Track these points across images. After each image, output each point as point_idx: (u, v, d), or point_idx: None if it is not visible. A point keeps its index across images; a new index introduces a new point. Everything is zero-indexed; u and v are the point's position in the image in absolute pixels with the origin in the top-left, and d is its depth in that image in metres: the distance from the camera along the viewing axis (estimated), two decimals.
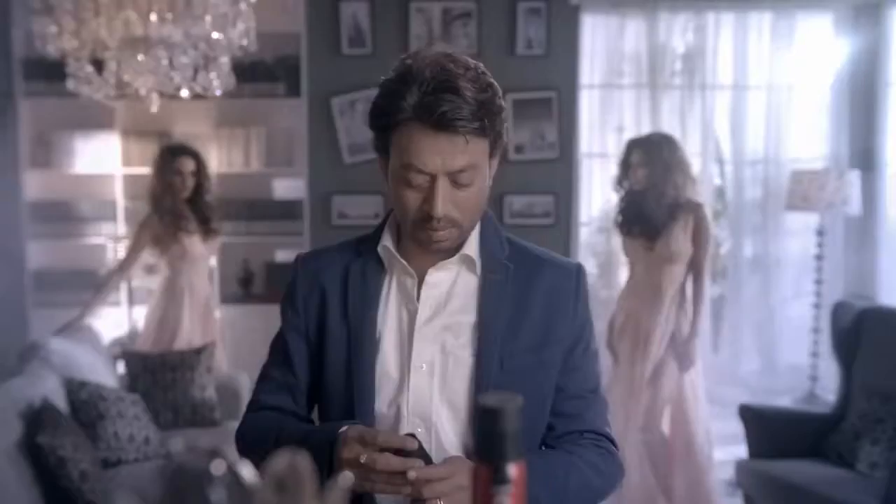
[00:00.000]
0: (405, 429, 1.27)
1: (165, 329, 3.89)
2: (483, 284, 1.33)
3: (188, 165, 3.86)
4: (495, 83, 1.26)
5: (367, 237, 1.39)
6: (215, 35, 3.09)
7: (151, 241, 3.83)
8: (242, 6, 3.16)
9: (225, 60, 3.26)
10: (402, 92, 1.21)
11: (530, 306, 1.32)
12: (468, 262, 1.33)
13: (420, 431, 1.26)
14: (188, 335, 3.88)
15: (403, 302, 1.33)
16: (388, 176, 1.29)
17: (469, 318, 1.31)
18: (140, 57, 3.04)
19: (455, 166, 1.21)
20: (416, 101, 1.19)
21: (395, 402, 1.29)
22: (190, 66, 3.18)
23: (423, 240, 1.28)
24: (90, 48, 3.10)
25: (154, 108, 3.31)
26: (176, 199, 3.83)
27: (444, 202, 1.23)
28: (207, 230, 3.93)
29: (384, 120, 1.24)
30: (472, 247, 1.33)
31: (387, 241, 1.33)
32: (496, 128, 1.25)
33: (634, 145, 3.55)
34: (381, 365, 1.30)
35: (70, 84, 3.21)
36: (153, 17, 2.98)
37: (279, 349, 1.40)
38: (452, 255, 1.33)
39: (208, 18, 3.04)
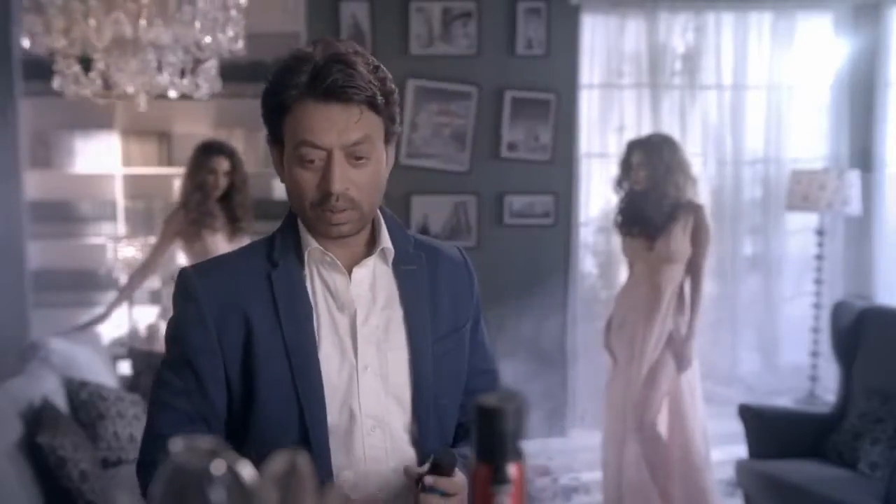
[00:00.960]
0: (361, 432, 1.26)
1: None
2: (399, 277, 1.32)
3: (223, 165, 3.80)
4: (386, 70, 1.26)
5: (269, 243, 1.31)
6: (206, 39, 3.09)
7: (176, 237, 3.80)
8: (233, 12, 3.16)
9: (213, 64, 3.27)
10: (293, 70, 1.21)
11: (440, 293, 1.36)
12: (384, 255, 1.32)
13: (375, 433, 1.27)
14: None
15: (336, 304, 1.29)
16: (283, 166, 1.27)
17: (395, 312, 1.31)
18: (130, 60, 3.04)
19: (350, 139, 1.20)
20: (307, 77, 1.19)
21: (347, 407, 1.27)
22: (178, 67, 3.18)
23: (321, 224, 1.25)
24: (79, 47, 3.09)
25: (142, 108, 3.29)
26: (206, 197, 3.77)
27: (342, 178, 1.21)
28: (234, 229, 3.85)
29: (276, 100, 1.22)
30: (386, 239, 1.32)
31: (312, 243, 1.28)
32: (390, 109, 1.25)
33: (635, 146, 3.54)
34: (325, 375, 1.26)
35: (56, 82, 3.20)
36: (143, 21, 2.98)
37: (182, 375, 1.26)
38: (362, 246, 1.32)
39: (197, 24, 3.05)
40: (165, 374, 1.28)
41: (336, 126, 1.19)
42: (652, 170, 3.42)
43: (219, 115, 4.64)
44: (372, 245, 1.32)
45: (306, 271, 1.29)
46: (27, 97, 4.42)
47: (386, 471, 1.27)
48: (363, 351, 1.27)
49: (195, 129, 4.64)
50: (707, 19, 4.82)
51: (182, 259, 4.51)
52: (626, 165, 3.52)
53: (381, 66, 1.25)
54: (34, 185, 4.53)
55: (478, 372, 1.42)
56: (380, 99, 1.22)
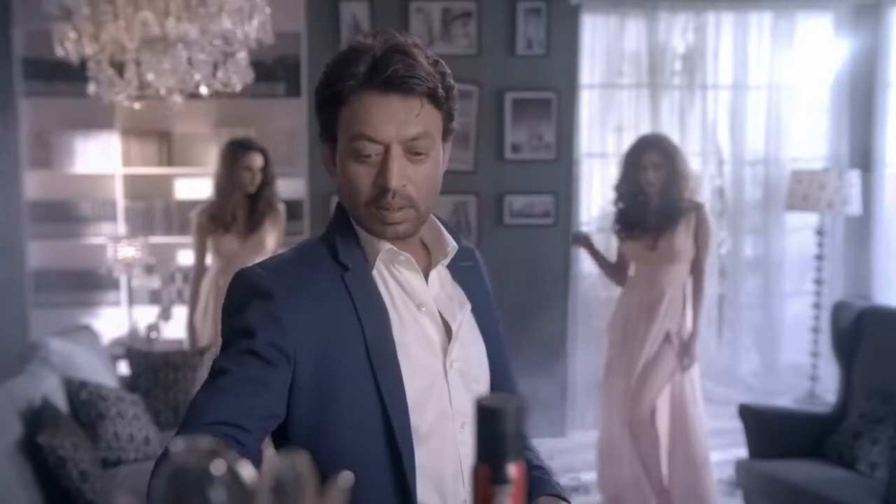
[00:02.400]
0: (454, 429, 1.23)
1: (208, 326, 3.85)
2: (458, 273, 1.31)
3: (258, 161, 3.79)
4: (446, 65, 1.22)
5: (328, 244, 1.25)
6: (232, 29, 3.06)
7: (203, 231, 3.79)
8: (258, 0, 3.15)
9: (242, 55, 3.24)
10: (351, 61, 1.15)
11: (486, 289, 1.38)
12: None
13: (465, 429, 1.24)
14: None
15: (414, 304, 1.24)
16: (334, 163, 1.22)
17: (467, 308, 1.30)
18: (162, 58, 3.03)
19: (409, 133, 1.15)
20: (366, 67, 1.14)
21: (436, 406, 1.22)
22: (208, 63, 3.16)
23: (376, 224, 1.20)
24: (110, 51, 3.08)
25: (178, 108, 3.27)
26: (242, 195, 3.76)
27: (400, 174, 1.15)
28: (251, 225, 3.81)
29: (331, 91, 1.17)
30: (450, 240, 1.29)
31: (385, 244, 1.21)
32: (450, 105, 1.21)
33: (649, 145, 3.44)
34: (415, 375, 1.20)
35: (91, 88, 3.17)
36: (171, 17, 2.96)
37: (245, 364, 1.13)
38: (424, 244, 1.30)
39: (224, 16, 3.03)
40: (224, 362, 1.14)
41: (395, 119, 1.14)
42: (668, 173, 3.37)
43: (219, 114, 4.64)
44: (425, 246, 1.29)
45: (375, 272, 1.23)
46: (27, 97, 4.42)
47: None
48: (451, 348, 1.25)
49: (195, 129, 4.64)
50: (707, 19, 4.83)
51: (181, 257, 4.50)
52: (636, 164, 3.43)
53: (441, 60, 1.21)
54: (34, 185, 4.54)
55: (508, 366, 1.46)
56: (440, 92, 1.18)
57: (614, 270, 3.69)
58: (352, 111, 1.16)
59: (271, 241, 3.91)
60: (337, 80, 1.16)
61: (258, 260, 4.30)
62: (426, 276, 1.26)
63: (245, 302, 1.17)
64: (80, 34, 3.02)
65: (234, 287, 1.20)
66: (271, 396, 1.13)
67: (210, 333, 3.82)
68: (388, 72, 1.13)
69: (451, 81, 1.21)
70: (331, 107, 1.19)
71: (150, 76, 3.11)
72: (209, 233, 3.77)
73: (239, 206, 3.77)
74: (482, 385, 1.29)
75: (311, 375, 1.16)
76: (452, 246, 1.27)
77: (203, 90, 3.24)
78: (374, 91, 1.14)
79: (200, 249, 3.83)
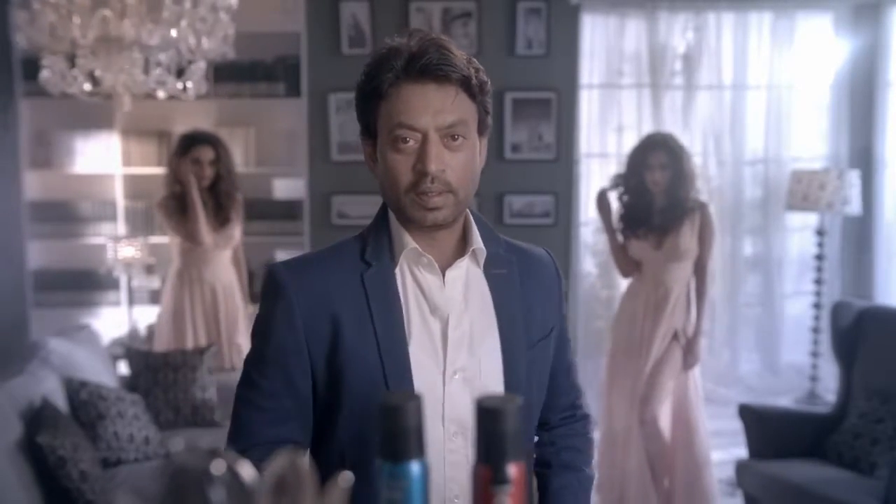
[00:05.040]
0: (442, 437, 1.24)
1: (177, 326, 3.88)
2: (491, 280, 1.30)
3: (207, 154, 3.79)
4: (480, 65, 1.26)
5: (361, 241, 1.30)
6: (191, 41, 3.09)
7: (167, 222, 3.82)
8: (222, 14, 3.16)
9: (201, 66, 3.27)
10: (388, 58, 1.20)
11: (532, 300, 1.34)
12: (475, 257, 1.30)
13: (457, 439, 1.25)
14: (196, 332, 3.87)
15: (428, 308, 1.26)
16: (375, 160, 1.27)
17: (488, 316, 1.29)
18: (116, 58, 3.04)
19: (446, 120, 1.19)
20: (403, 62, 1.19)
21: (433, 413, 1.24)
22: (165, 67, 3.19)
23: (416, 210, 1.22)
24: (66, 45, 3.10)
25: (126, 108, 3.29)
26: (189, 188, 3.78)
27: (438, 159, 1.19)
28: (220, 220, 3.85)
29: (371, 86, 1.22)
30: (478, 240, 1.29)
31: (410, 242, 1.25)
32: (484, 99, 1.25)
33: (655, 145, 3.41)
34: (415, 379, 1.23)
35: (42, 77, 3.21)
36: (126, 20, 2.98)
37: (268, 375, 1.25)
38: (453, 247, 1.29)
39: (184, 24, 3.05)
40: (252, 374, 1.26)
41: (432, 106, 1.19)
42: (674, 173, 3.35)
43: (219, 114, 4.64)
44: (463, 246, 1.29)
45: (397, 271, 1.26)
46: (27, 97, 4.42)
47: (465, 478, 1.22)
48: (453, 356, 1.25)
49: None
50: (707, 19, 4.83)
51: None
52: (642, 163, 3.40)
53: (475, 60, 1.25)
54: (34, 185, 4.54)
55: (567, 369, 1.45)
56: (475, 83, 1.22)
57: (621, 253, 3.58)
58: (390, 104, 1.21)
59: (237, 232, 3.96)
60: (376, 76, 1.21)
61: (228, 253, 4.21)
62: (444, 276, 1.27)
63: (265, 301, 1.27)
64: (36, 24, 3.03)
65: (264, 281, 1.29)
66: (301, 393, 1.25)
67: (170, 339, 3.85)
68: (423, 60, 1.18)
69: (486, 78, 1.25)
70: (371, 103, 1.23)
71: (98, 73, 3.13)
72: (178, 225, 3.80)
73: (206, 200, 3.80)
74: None
75: (321, 370, 1.24)
76: (477, 247, 1.28)
77: (160, 94, 3.26)
78: (411, 82, 1.19)
79: (178, 230, 3.83)
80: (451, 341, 1.25)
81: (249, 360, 1.28)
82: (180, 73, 3.30)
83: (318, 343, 1.23)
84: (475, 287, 1.29)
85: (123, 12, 2.99)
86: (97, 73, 3.15)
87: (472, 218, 1.31)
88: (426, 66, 1.18)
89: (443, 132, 1.20)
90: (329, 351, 1.23)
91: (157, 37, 3.04)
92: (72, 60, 3.21)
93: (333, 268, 1.27)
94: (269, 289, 1.27)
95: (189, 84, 3.27)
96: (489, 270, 1.30)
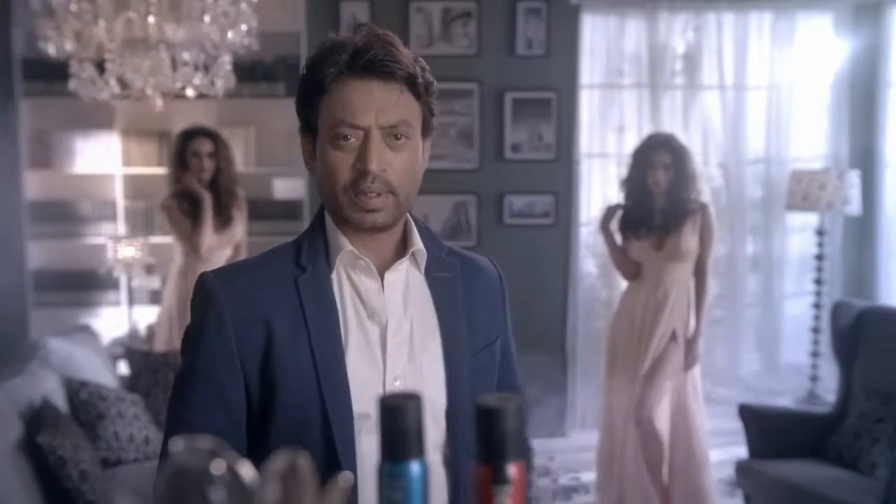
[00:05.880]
0: None
1: (181, 325, 3.88)
2: (432, 284, 1.25)
3: (205, 146, 3.77)
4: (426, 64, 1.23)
5: (296, 246, 1.24)
6: (215, 35, 3.08)
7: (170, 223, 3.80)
8: (243, 6, 3.16)
9: (226, 60, 3.25)
10: (332, 51, 1.17)
11: (477, 306, 1.30)
12: (416, 261, 1.25)
13: None
14: None
15: (366, 312, 1.21)
16: (314, 157, 1.23)
17: (429, 321, 1.24)
18: (141, 58, 3.04)
19: (389, 119, 1.16)
20: (347, 56, 1.16)
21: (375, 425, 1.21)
22: (191, 65, 3.17)
23: (355, 211, 1.18)
24: (93, 50, 3.09)
25: (158, 108, 3.29)
26: (203, 202, 3.74)
27: (379, 158, 1.15)
28: (224, 218, 3.83)
29: (313, 80, 1.18)
30: (418, 241, 1.24)
31: (345, 244, 1.20)
32: (429, 99, 1.21)
33: (658, 145, 3.42)
34: (353, 386, 1.18)
35: (72, 85, 3.20)
36: (151, 18, 2.97)
37: (199, 389, 1.18)
38: (393, 250, 1.24)
39: (207, 19, 3.04)
40: (183, 388, 1.20)
41: (376, 103, 1.15)
42: (676, 173, 3.35)
43: (219, 114, 4.64)
44: (403, 249, 1.24)
45: (334, 275, 1.21)
46: (27, 97, 4.42)
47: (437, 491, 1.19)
48: (393, 362, 1.20)
49: None
50: (707, 19, 4.82)
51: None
52: (645, 163, 3.41)
53: (422, 59, 1.22)
54: (34, 185, 4.53)
55: (506, 388, 1.36)
56: (420, 82, 1.19)
57: (622, 257, 3.57)
58: (332, 98, 1.17)
59: (240, 229, 3.95)
60: (318, 69, 1.18)
61: (229, 252, 4.21)
62: (383, 279, 1.22)
63: (195, 311, 1.22)
64: (62, 32, 3.03)
65: (194, 291, 1.23)
66: (233, 406, 1.19)
67: (171, 339, 3.84)
68: (367, 56, 1.15)
69: (432, 78, 1.22)
70: (312, 97, 1.20)
71: (127, 76, 3.12)
72: (182, 224, 3.78)
73: (201, 190, 3.78)
74: (437, 407, 1.21)
75: (254, 379, 1.19)
76: (417, 249, 1.24)
77: (189, 92, 3.25)
78: (354, 77, 1.16)
79: (184, 224, 3.80)
80: (390, 347, 1.20)
81: (179, 374, 1.21)
82: (205, 71, 3.28)
83: (250, 353, 1.18)
84: (416, 291, 1.24)
85: (147, 12, 2.99)
86: (127, 76, 3.14)
87: (412, 221, 1.27)
88: (371, 61, 1.15)
89: (385, 131, 1.16)
90: (262, 360, 1.18)
91: (182, 33, 3.03)
92: (100, 66, 3.20)
93: (266, 274, 1.22)
94: (198, 297, 1.21)
95: (217, 80, 3.24)
96: (431, 274, 1.26)
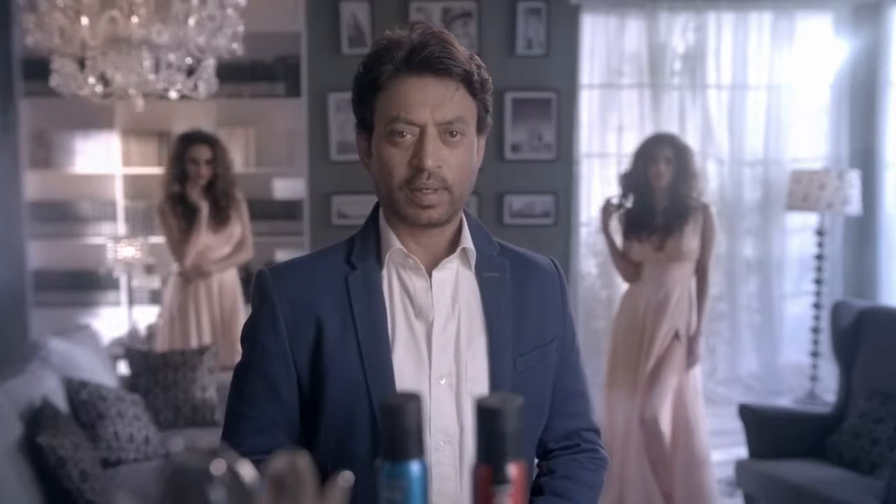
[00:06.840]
0: (429, 447, 1.19)
1: (182, 325, 3.88)
2: (482, 283, 1.26)
3: (203, 153, 3.79)
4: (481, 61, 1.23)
5: (349, 245, 1.26)
6: (200, 39, 3.09)
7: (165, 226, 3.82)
8: (230, 11, 3.16)
9: (210, 64, 3.26)
10: (389, 49, 1.17)
11: (528, 306, 1.28)
12: (466, 259, 1.25)
13: (445, 449, 1.21)
14: (201, 331, 3.88)
15: (414, 310, 1.22)
16: (370, 154, 1.23)
17: (476, 321, 1.24)
18: (125, 59, 3.04)
19: (445, 116, 1.16)
20: (403, 53, 1.16)
21: None
22: (175, 67, 3.18)
23: (410, 207, 1.18)
24: (76, 46, 3.09)
25: (139, 109, 3.29)
26: (187, 189, 3.78)
27: (435, 154, 1.16)
28: (220, 219, 3.85)
29: (369, 77, 1.18)
30: (468, 239, 1.25)
31: (395, 243, 1.22)
32: (485, 96, 1.22)
33: (661, 141, 3.44)
34: (399, 383, 1.20)
35: (53, 81, 3.20)
36: (134, 18, 2.97)
37: (254, 384, 1.23)
38: (444, 248, 1.25)
39: (192, 22, 3.04)
40: (239, 382, 1.25)
41: (431, 100, 1.16)
42: (678, 170, 3.36)
43: (219, 114, 4.64)
44: (455, 247, 1.24)
45: (384, 273, 1.23)
46: (27, 97, 4.43)
47: (454, 490, 1.21)
48: (438, 360, 1.21)
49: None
50: (707, 19, 4.83)
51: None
52: (647, 156, 3.40)
53: (478, 57, 1.23)
54: (34, 185, 4.54)
55: (570, 394, 1.34)
56: (476, 80, 1.19)
57: (622, 258, 3.56)
58: (388, 96, 1.18)
59: (238, 230, 3.96)
60: (375, 67, 1.18)
61: (227, 251, 4.22)
62: (430, 277, 1.23)
63: (253, 307, 1.27)
64: (45, 26, 3.02)
65: (253, 285, 1.28)
66: (286, 401, 1.23)
67: (172, 339, 3.85)
68: (424, 53, 1.15)
69: (487, 76, 1.23)
70: (368, 95, 1.20)
71: (108, 74, 3.13)
72: (179, 226, 3.80)
73: (198, 198, 3.79)
74: None
75: (305, 374, 1.23)
76: (467, 247, 1.24)
77: (172, 94, 3.26)
78: (411, 74, 1.17)
79: (174, 232, 3.83)
80: (435, 345, 1.21)
81: (237, 368, 1.26)
82: (190, 73, 3.29)
83: (302, 349, 1.21)
84: (465, 289, 1.25)
85: (131, 12, 2.99)
86: (108, 74, 3.15)
87: (465, 219, 1.28)
88: (427, 58, 1.15)
89: (441, 128, 1.17)
90: (312, 355, 1.21)
91: (166, 36, 3.03)
92: (81, 63, 3.21)
93: (319, 272, 1.24)
94: (256, 295, 1.25)
95: (200, 83, 3.25)
96: (481, 273, 1.26)
